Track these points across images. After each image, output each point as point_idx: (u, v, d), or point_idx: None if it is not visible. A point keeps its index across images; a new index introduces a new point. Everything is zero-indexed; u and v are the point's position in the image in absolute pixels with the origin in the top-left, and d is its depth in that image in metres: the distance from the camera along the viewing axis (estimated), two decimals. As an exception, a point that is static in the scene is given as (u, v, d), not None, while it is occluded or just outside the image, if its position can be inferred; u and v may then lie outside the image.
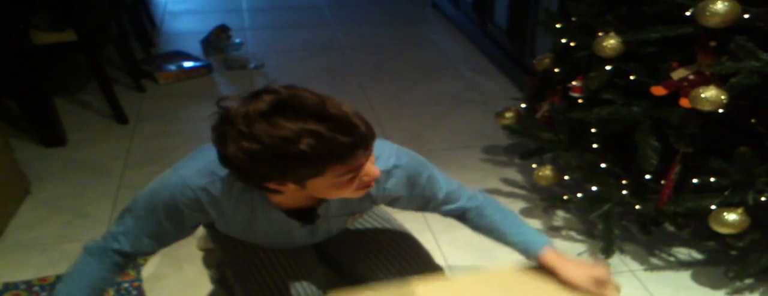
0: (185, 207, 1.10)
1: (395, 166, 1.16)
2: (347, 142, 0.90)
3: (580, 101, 1.86)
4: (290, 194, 1.03)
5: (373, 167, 1.00)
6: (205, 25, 3.61)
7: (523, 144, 2.34)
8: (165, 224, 1.13)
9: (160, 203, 1.11)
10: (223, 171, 1.07)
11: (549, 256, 1.21)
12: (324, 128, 0.88)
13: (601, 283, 1.17)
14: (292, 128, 0.87)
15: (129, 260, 1.20)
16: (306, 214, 1.18)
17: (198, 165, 1.10)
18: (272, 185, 0.98)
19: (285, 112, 0.88)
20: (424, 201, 1.26)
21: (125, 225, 1.15)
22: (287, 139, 0.87)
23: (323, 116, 0.88)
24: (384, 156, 1.15)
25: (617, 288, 1.18)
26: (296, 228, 1.21)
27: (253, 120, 0.87)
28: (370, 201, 1.23)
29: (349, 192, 1.01)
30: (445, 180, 1.26)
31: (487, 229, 1.29)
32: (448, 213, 1.31)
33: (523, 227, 1.27)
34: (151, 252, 1.20)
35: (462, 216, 1.31)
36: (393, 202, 1.25)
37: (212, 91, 2.98)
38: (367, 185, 1.02)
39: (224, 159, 0.94)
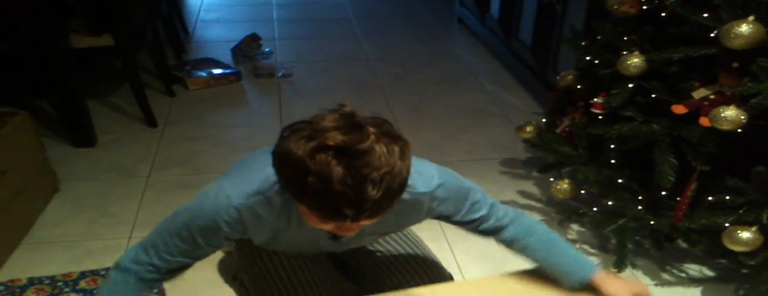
0: (226, 226, 1.10)
1: (439, 186, 1.16)
2: (337, 210, 0.89)
3: (600, 117, 1.88)
4: None
5: (352, 228, 0.99)
6: (236, 33, 3.70)
7: (542, 158, 2.35)
8: (200, 242, 1.13)
9: (199, 222, 1.10)
10: (269, 190, 1.07)
11: (596, 278, 1.27)
12: (339, 189, 0.86)
13: None
14: (321, 170, 0.86)
15: (161, 279, 1.20)
16: None
17: (244, 184, 1.09)
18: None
19: (339, 154, 0.86)
20: (467, 222, 1.27)
21: (164, 242, 1.15)
22: (309, 172, 0.86)
23: (352, 184, 0.86)
24: (426, 175, 1.15)
25: None
26: (323, 239, 1.23)
27: (317, 143, 0.87)
28: (409, 222, 1.24)
29: (320, 226, 1.00)
30: (484, 202, 1.26)
31: (528, 252, 1.30)
32: (483, 233, 1.31)
33: (568, 254, 1.31)
34: (183, 271, 1.21)
35: (496, 234, 1.30)
36: (438, 217, 1.26)
37: (240, 98, 3.04)
38: (338, 233, 1.02)
39: (278, 143, 0.94)
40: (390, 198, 0.90)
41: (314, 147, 0.86)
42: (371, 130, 0.88)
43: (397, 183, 0.90)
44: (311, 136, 0.87)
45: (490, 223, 1.27)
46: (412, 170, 0.96)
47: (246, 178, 1.10)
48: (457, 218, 1.25)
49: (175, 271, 1.20)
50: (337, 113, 0.91)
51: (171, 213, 1.15)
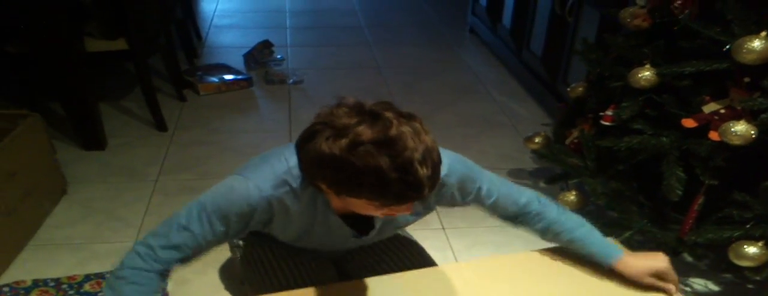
0: (258, 215, 1.10)
1: (448, 174, 1.17)
2: (402, 195, 0.93)
3: (609, 129, 1.87)
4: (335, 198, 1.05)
5: (407, 209, 1.01)
6: (249, 40, 3.72)
7: (550, 169, 2.34)
8: (231, 230, 1.12)
9: (235, 210, 1.09)
10: (295, 182, 1.08)
11: (619, 263, 1.23)
12: (395, 176, 0.90)
13: (661, 275, 1.21)
14: (369, 163, 0.89)
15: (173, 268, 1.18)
16: (362, 223, 1.20)
17: (270, 176, 1.09)
18: (322, 185, 1.00)
19: (377, 146, 0.90)
20: (478, 204, 1.28)
21: (190, 232, 1.12)
22: (357, 168, 0.90)
23: (403, 168, 0.90)
24: None
25: (675, 281, 1.21)
26: (348, 235, 1.23)
27: (350, 140, 0.90)
28: (425, 211, 1.25)
29: (374, 213, 1.04)
30: (495, 187, 1.26)
31: (553, 235, 1.29)
32: (503, 218, 1.31)
33: (593, 237, 1.28)
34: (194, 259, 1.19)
35: (518, 220, 1.30)
36: (447, 204, 1.26)
37: (250, 104, 3.05)
38: (392, 215, 1.05)
39: (302, 147, 0.97)
40: (438, 171, 0.96)
41: (350, 143, 0.90)
42: (388, 114, 0.92)
43: (436, 155, 0.95)
44: (338, 134, 0.91)
45: (509, 210, 1.27)
46: None
47: (269, 171, 1.10)
48: (467, 200, 1.25)
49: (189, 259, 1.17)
50: (345, 106, 0.94)
51: (193, 205, 1.13)
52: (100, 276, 1.80)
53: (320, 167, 0.95)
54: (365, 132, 0.90)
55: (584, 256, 1.29)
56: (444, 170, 1.14)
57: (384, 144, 0.90)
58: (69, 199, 2.18)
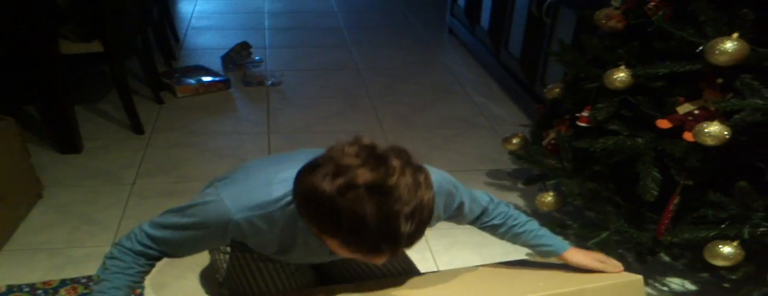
0: (230, 233, 1.12)
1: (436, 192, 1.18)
2: (376, 246, 0.91)
3: (586, 130, 1.88)
4: None
5: (380, 259, 1.00)
6: (227, 41, 3.70)
7: (528, 170, 2.36)
8: (203, 244, 1.19)
9: (209, 224, 1.11)
10: (271, 206, 1.08)
11: (567, 254, 1.40)
12: (375, 225, 0.88)
13: (604, 262, 1.40)
14: (354, 207, 0.87)
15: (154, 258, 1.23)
16: None
17: (243, 196, 1.10)
18: (304, 217, 0.99)
19: (369, 191, 0.87)
20: (456, 219, 1.35)
21: (164, 236, 1.16)
22: (339, 210, 0.88)
23: (387, 219, 0.88)
24: None
25: (617, 266, 1.40)
26: (327, 252, 1.23)
27: (346, 180, 0.88)
28: None
29: (346, 256, 1.02)
30: (476, 203, 1.34)
31: (514, 239, 1.41)
32: (480, 228, 1.41)
33: (545, 237, 1.41)
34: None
35: (479, 220, 1.39)
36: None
37: (228, 105, 3.03)
38: (364, 261, 1.06)
39: (301, 176, 0.95)
40: (422, 229, 0.93)
41: (343, 185, 0.87)
42: (395, 162, 0.90)
43: (427, 213, 0.92)
44: (337, 173, 0.88)
45: (476, 212, 1.36)
46: None
47: (246, 190, 1.10)
48: (444, 218, 1.29)
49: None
50: (357, 145, 0.92)
51: (169, 213, 1.16)
52: (76, 281, 1.78)
53: (306, 200, 0.93)
54: (363, 175, 0.88)
55: (536, 247, 1.40)
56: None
57: (377, 190, 0.87)
58: (45, 204, 2.15)
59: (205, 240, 1.16)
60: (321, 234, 0.96)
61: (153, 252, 1.19)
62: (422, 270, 1.51)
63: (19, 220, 2.04)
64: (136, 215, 2.10)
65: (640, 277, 1.36)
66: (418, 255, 1.93)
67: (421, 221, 0.91)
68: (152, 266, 1.22)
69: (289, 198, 1.08)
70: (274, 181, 1.09)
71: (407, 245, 0.93)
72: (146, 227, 1.18)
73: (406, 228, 0.89)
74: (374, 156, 0.90)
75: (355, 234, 0.90)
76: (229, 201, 1.09)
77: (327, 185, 0.88)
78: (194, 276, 1.82)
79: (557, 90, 2.09)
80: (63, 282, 1.77)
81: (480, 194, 1.37)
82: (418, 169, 0.93)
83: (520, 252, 1.72)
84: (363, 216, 0.87)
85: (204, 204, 1.11)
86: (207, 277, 1.82)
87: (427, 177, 0.93)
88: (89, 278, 1.78)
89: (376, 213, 0.87)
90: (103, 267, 1.19)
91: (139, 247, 1.17)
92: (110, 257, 1.19)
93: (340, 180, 0.88)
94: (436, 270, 1.89)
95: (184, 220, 1.13)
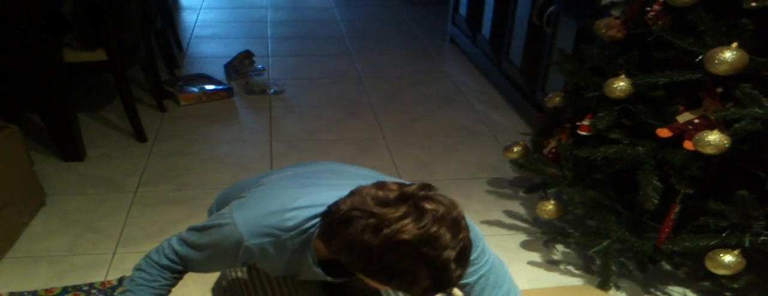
0: (241, 256, 1.14)
1: None
2: (427, 291, 0.93)
3: (586, 139, 1.89)
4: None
5: None
6: (230, 50, 3.71)
7: (528, 178, 2.36)
8: (220, 264, 1.21)
9: (222, 246, 1.14)
10: (284, 235, 1.10)
11: None
12: (428, 276, 0.90)
13: None
14: (407, 263, 0.89)
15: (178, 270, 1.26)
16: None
17: (258, 221, 1.11)
18: (338, 257, 0.99)
19: (418, 244, 0.88)
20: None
21: (186, 253, 1.20)
22: (393, 264, 0.90)
23: (439, 269, 0.90)
24: None
25: None
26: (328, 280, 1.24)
27: (392, 233, 0.89)
28: None
29: (382, 289, 1.06)
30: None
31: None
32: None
33: None
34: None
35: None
36: None
37: (231, 114, 3.04)
38: None
39: (335, 230, 0.96)
40: (467, 265, 0.95)
41: (391, 238, 0.88)
42: (429, 206, 0.91)
43: (470, 251, 0.95)
44: (379, 226, 0.89)
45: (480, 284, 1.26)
46: None
47: (260, 215, 1.12)
48: None
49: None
50: (383, 190, 0.93)
51: (192, 230, 1.20)
52: (78, 288, 1.78)
53: (350, 252, 0.94)
54: (408, 228, 0.88)
55: None
56: None
57: (425, 242, 0.88)
58: (47, 211, 2.16)
59: (221, 260, 1.18)
60: (366, 278, 0.98)
61: (177, 266, 1.22)
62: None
63: (21, 228, 2.04)
64: (139, 223, 2.11)
65: None
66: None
67: (467, 260, 0.94)
68: (178, 279, 1.24)
69: (303, 227, 1.09)
70: (289, 208, 1.10)
71: (456, 284, 0.96)
72: (174, 241, 1.21)
73: (457, 272, 0.92)
74: (410, 204, 0.91)
75: (408, 284, 0.92)
76: (242, 226, 1.11)
77: (374, 239, 0.89)
78: (197, 284, 1.82)
79: (558, 99, 2.10)
80: (65, 290, 1.77)
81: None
82: (452, 207, 0.93)
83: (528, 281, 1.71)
84: (417, 271, 0.89)
85: (219, 226, 1.13)
86: (210, 286, 1.82)
87: (460, 213, 0.94)
88: (91, 285, 1.79)
89: (429, 266, 0.89)
90: (130, 279, 1.22)
91: (165, 261, 1.21)
92: (138, 269, 1.22)
93: (386, 232, 0.89)
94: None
95: (202, 240, 1.17)
